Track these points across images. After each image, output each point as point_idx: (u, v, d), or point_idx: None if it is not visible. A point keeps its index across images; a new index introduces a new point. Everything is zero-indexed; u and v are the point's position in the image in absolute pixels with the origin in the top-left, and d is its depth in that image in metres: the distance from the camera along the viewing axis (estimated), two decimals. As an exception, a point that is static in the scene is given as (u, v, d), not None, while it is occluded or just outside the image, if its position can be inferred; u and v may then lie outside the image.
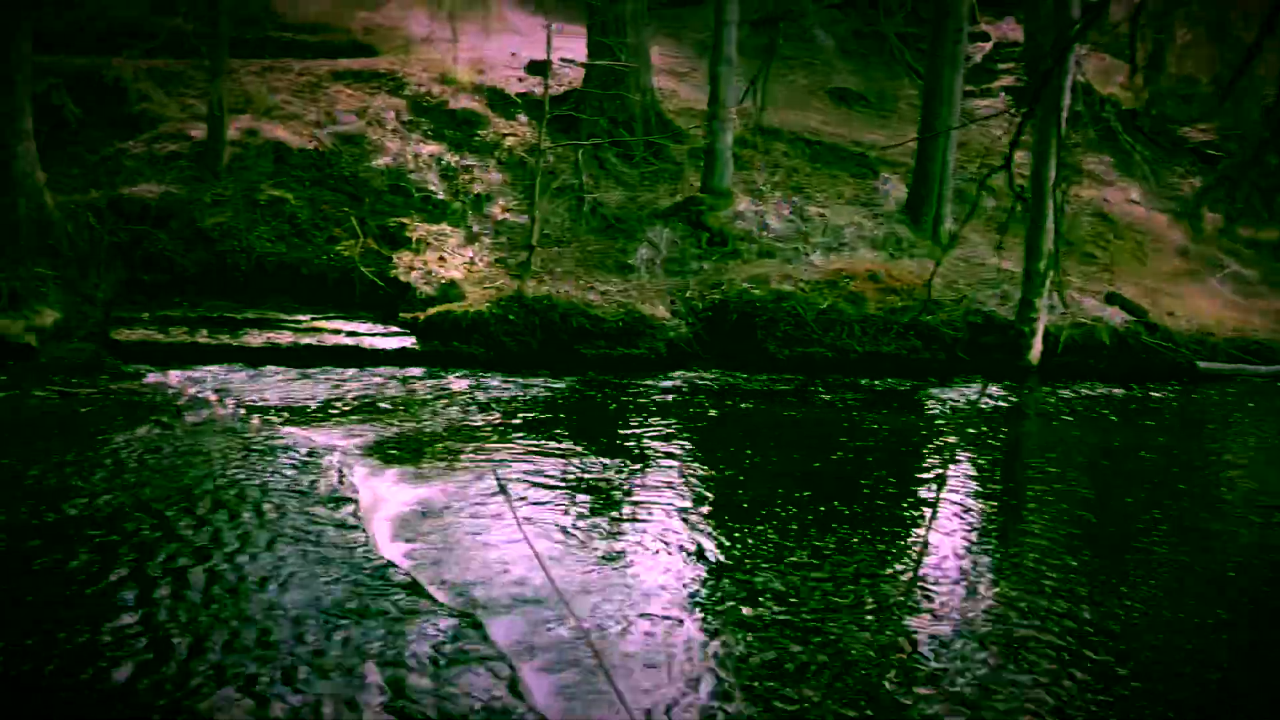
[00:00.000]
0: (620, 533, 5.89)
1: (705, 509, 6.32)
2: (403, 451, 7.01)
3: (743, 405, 8.61)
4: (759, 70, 12.75)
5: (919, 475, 7.30)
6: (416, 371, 9.16)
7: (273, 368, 8.92)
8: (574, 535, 5.81)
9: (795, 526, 5.99)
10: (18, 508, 5.55)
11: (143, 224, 10.19)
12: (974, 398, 9.17)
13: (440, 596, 4.95)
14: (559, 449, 7.22)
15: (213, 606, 4.64)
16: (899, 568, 5.58)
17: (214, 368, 8.77)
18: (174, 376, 8.40)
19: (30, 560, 4.98)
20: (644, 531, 5.84)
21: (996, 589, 5.29)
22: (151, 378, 8.34)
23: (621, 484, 6.65)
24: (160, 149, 10.95)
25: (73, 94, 11.04)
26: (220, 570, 4.98)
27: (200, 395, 7.90)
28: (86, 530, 5.32)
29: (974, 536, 6.19)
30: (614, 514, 6.17)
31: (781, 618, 4.87)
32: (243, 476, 6.19)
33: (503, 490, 6.36)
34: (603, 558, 5.57)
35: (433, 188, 11.30)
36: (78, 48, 11.84)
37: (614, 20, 12.07)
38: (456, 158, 11.75)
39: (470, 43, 13.72)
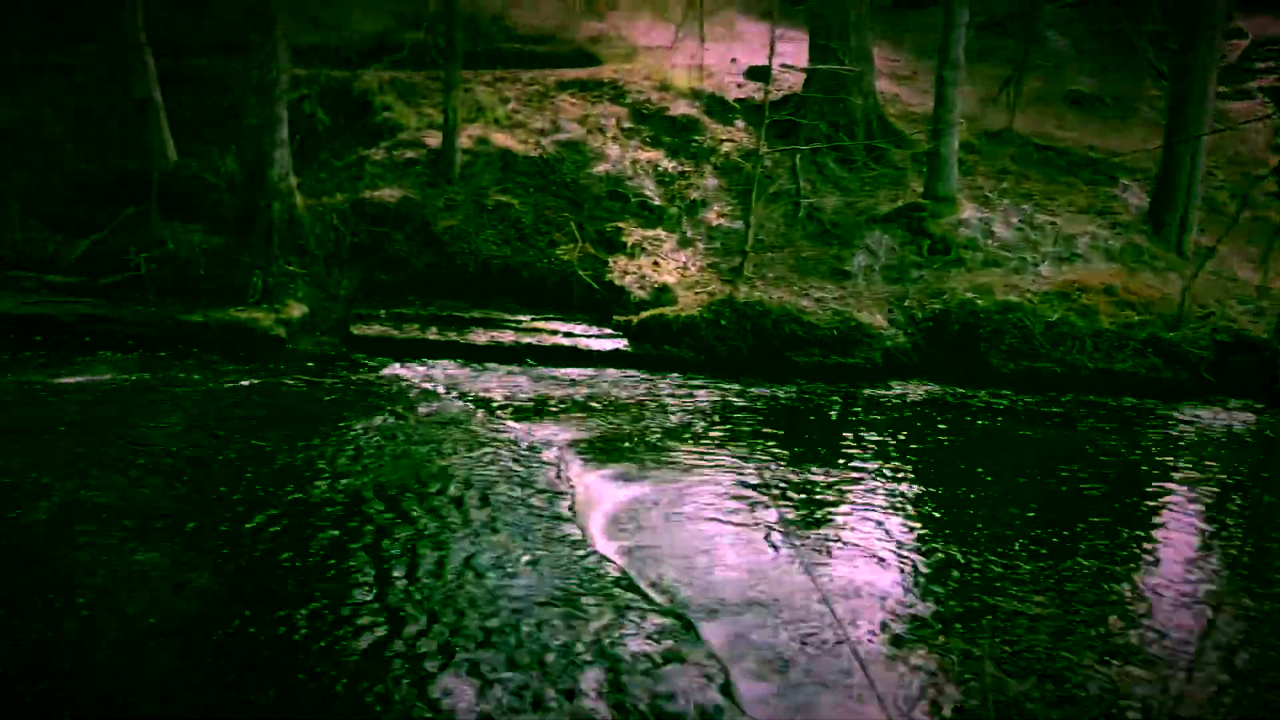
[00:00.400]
0: (832, 546, 5.77)
1: (922, 525, 6.11)
2: (616, 449, 7.14)
3: (965, 419, 8.28)
4: (1011, 74, 12.28)
5: (1161, 503, 6.79)
6: (629, 373, 9.31)
7: (495, 365, 9.29)
8: (783, 543, 5.74)
9: (1025, 550, 5.70)
10: (272, 486, 6.00)
11: (381, 226, 10.83)
12: (1223, 422, 8.46)
13: (652, 594, 4.99)
14: (769, 455, 7.16)
15: (441, 588, 4.85)
16: (1139, 605, 5.21)
17: (442, 363, 9.21)
18: (406, 370, 8.88)
19: (283, 535, 5.36)
20: (857, 546, 5.70)
21: (1238, 636, 4.86)
22: (386, 370, 8.84)
23: (834, 495, 6.52)
24: (399, 156, 11.63)
25: (324, 105, 11.89)
26: (449, 554, 5.21)
27: (430, 389, 8.31)
28: (329, 510, 5.69)
29: (1215, 579, 5.71)
30: (825, 526, 6.05)
31: (1011, 648, 4.64)
32: (469, 466, 6.46)
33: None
34: (814, 567, 5.48)
35: (649, 193, 11.47)
36: (331, 61, 12.76)
37: (837, 24, 11.91)
38: (673, 164, 11.88)
39: (690, 50, 13.86)
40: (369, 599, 4.72)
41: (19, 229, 10.76)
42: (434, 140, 11.65)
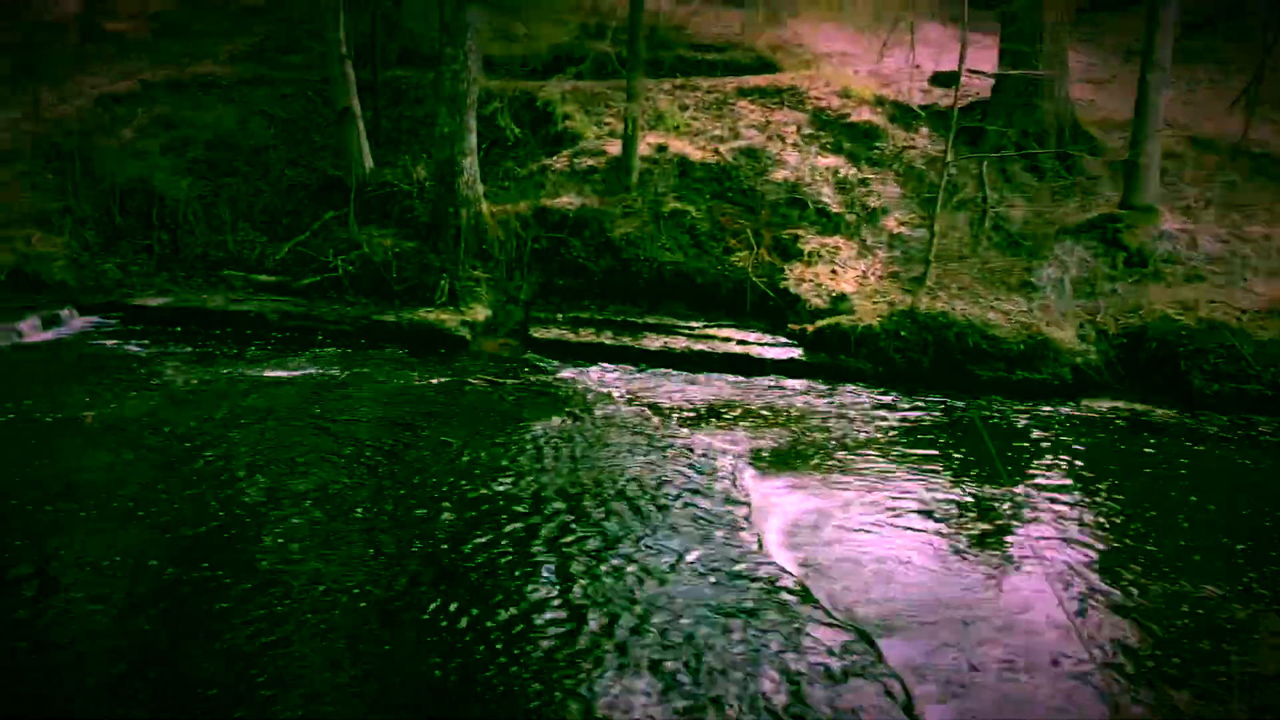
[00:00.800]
0: (1015, 569, 5.55)
1: (1115, 553, 5.79)
2: (792, 459, 7.07)
3: (1164, 442, 7.81)
4: (1251, 80, 11.55)
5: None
6: (803, 382, 9.21)
7: (668, 370, 9.34)
8: (965, 560, 5.56)
9: (1227, 588, 5.34)
10: (459, 481, 6.22)
11: (560, 232, 11.08)
12: None
13: (830, 608, 4.92)
14: (950, 470, 6.94)
15: (621, 590, 4.92)
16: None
17: (616, 367, 9.34)
18: (582, 373, 9.05)
19: (469, 529, 5.55)
20: (1044, 571, 5.46)
21: None
22: (563, 373, 9.03)
23: (1021, 514, 6.27)
24: (579, 164, 11.88)
25: (510, 114, 12.27)
26: (627, 556, 5.28)
27: (605, 392, 8.44)
28: (514, 507, 5.86)
29: None
30: (1007, 548, 5.82)
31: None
32: (645, 471, 6.53)
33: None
34: (995, 589, 5.28)
35: (827, 200, 11.32)
36: (518, 72, 13.19)
37: (1030, 27, 11.44)
38: (853, 170, 11.69)
39: (873, 56, 13.63)
40: (552, 595, 4.83)
41: (231, 231, 11.56)
42: (613, 148, 11.84)
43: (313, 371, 8.57)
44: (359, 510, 5.73)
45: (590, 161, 11.91)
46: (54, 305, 9.95)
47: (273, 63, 14.36)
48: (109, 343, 9.27)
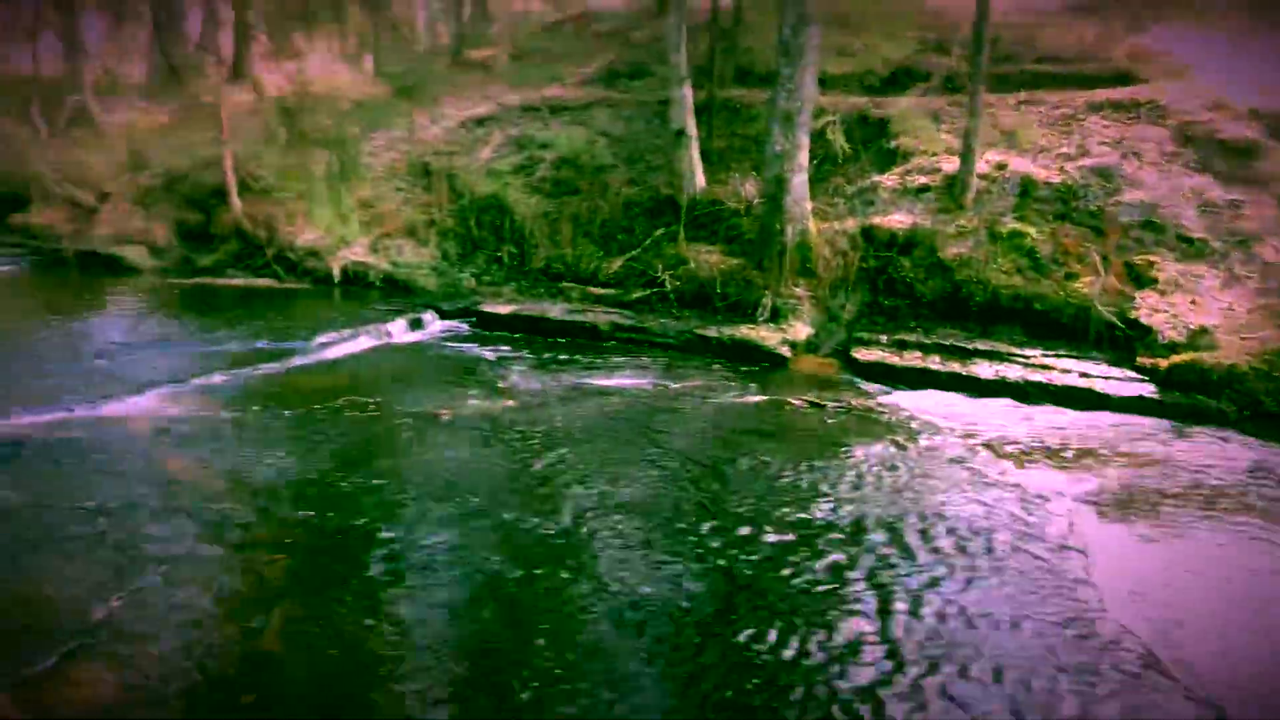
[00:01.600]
0: None
1: None
2: (1137, 506, 6.47)
3: None
4: None
5: None
6: (1150, 422, 8.41)
7: (998, 400, 8.86)
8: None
9: None
10: (777, 502, 6.22)
11: (889, 251, 10.84)
12: None
13: (1181, 676, 4.44)
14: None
15: (943, 632, 4.71)
16: None
17: (942, 394, 8.98)
18: (906, 398, 8.78)
19: (785, 552, 5.53)
20: None
21: None
22: (886, 397, 8.81)
23: None
24: (911, 182, 11.57)
25: (843, 131, 12.18)
26: (949, 599, 5.05)
27: (930, 420, 8.14)
28: (832, 534, 5.78)
29: None
30: None
31: None
32: (971, 508, 6.22)
33: None
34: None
35: (1188, 224, 10.29)
36: (853, 88, 13.07)
37: None
38: (1221, 191, 10.55)
39: (1252, 64, 12.24)
40: (869, 630, 4.71)
41: (571, 246, 12.28)
42: (948, 165, 11.42)
43: (639, 382, 8.91)
44: (680, 523, 5.87)
45: (923, 179, 11.55)
46: (418, 309, 11.01)
47: (617, 86, 15.15)
48: (463, 346, 10.13)
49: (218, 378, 8.40)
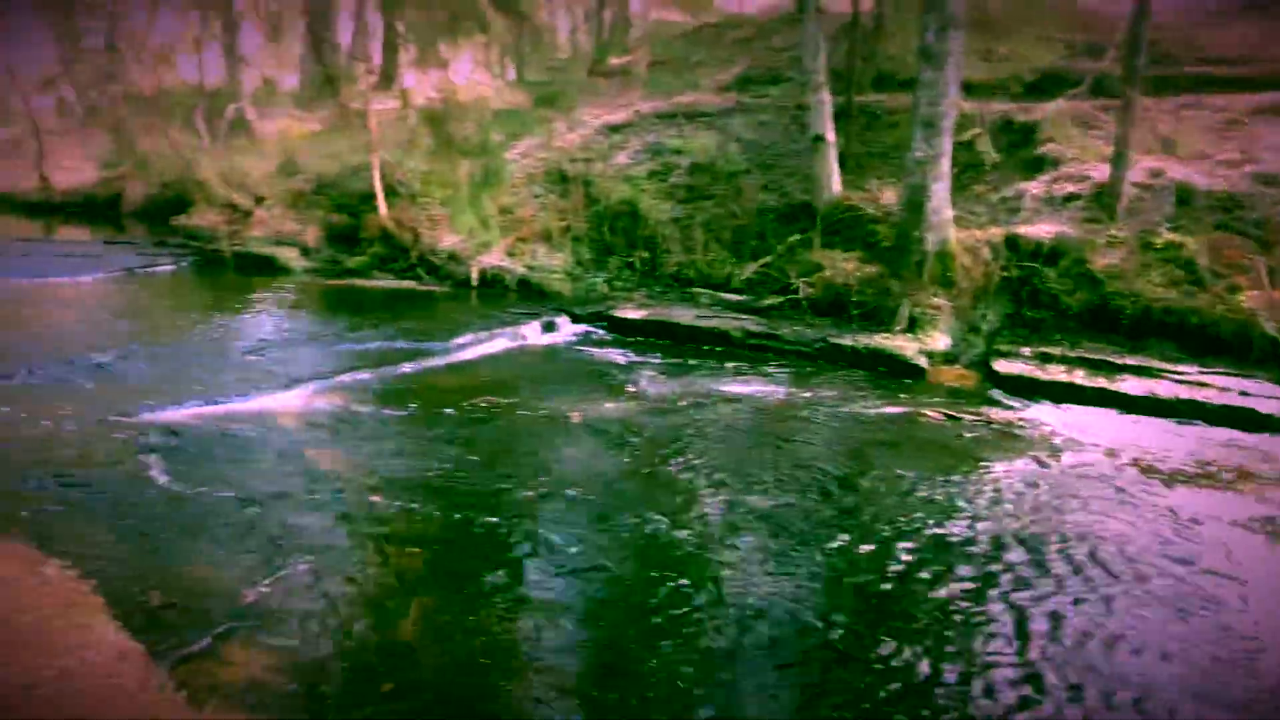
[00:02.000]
0: None
1: None
2: (1304, 538, 6.07)
3: None
4: None
5: None
6: (1321, 445, 7.88)
7: (1150, 419, 8.45)
8: None
9: None
10: (913, 517, 6.08)
11: (1033, 261, 10.47)
12: None
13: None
14: None
15: (1081, 657, 4.52)
16: None
17: (1088, 409, 8.62)
18: (1049, 413, 8.46)
19: (919, 569, 5.40)
20: None
21: None
22: (1028, 412, 8.50)
23: None
24: (1059, 190, 11.15)
25: (988, 137, 11.84)
26: (1094, 620, 4.84)
27: (1075, 436, 7.82)
28: (968, 551, 5.61)
29: None
30: None
31: None
32: (1119, 530, 5.95)
33: None
34: None
35: (1368, 235, 9.62)
36: (998, 94, 12.69)
37: None
38: (1407, 201, 9.84)
39: None
40: (1007, 652, 4.55)
41: (702, 251, 12.29)
42: (1098, 173, 10.97)
43: (770, 389, 8.84)
44: (810, 535, 5.80)
45: (1071, 187, 11.13)
46: (552, 313, 11.19)
47: (753, 91, 15.10)
48: (594, 350, 10.24)
49: (362, 375, 8.71)
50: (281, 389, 8.14)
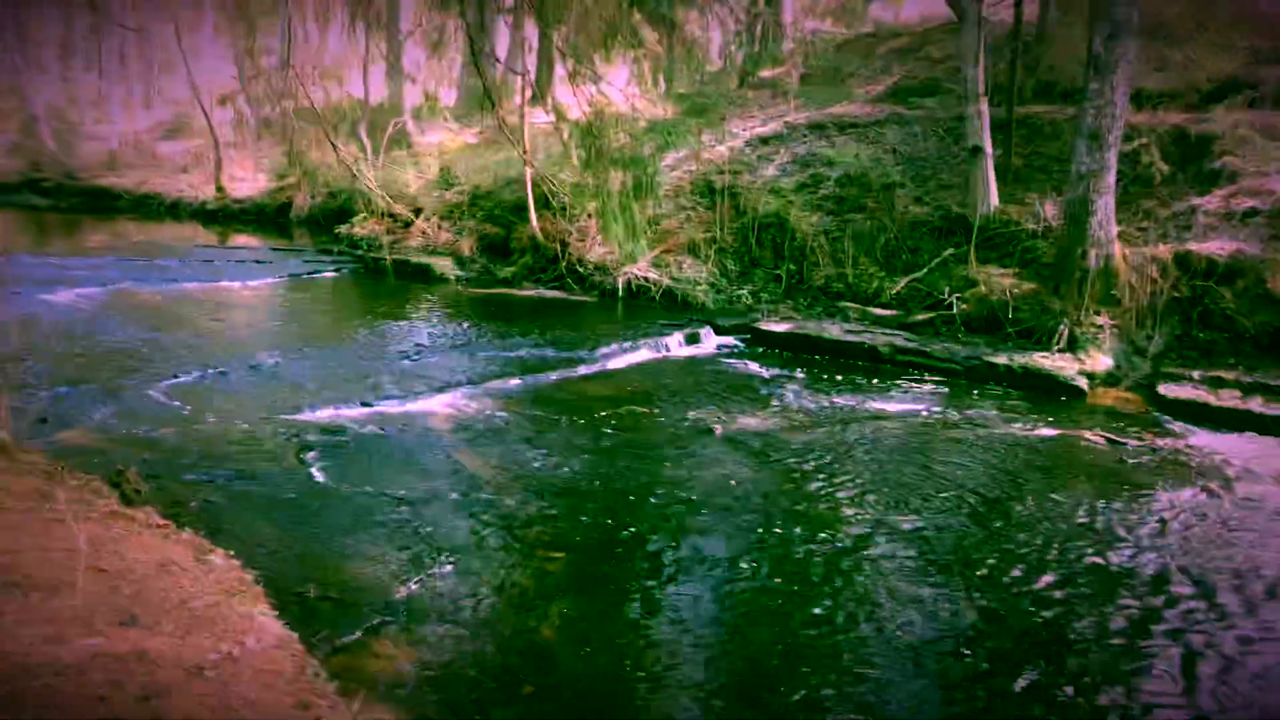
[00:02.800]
0: None
1: None
2: None
3: None
4: None
5: None
6: None
7: (1337, 450, 7.86)
8: None
9: None
10: (1067, 545, 5.81)
11: (1206, 281, 9.90)
12: None
13: None
14: None
15: (1254, 701, 4.23)
16: None
17: (1265, 439, 8.08)
18: (1220, 441, 7.97)
19: (1074, 599, 5.15)
20: None
21: None
22: (1196, 439, 8.03)
23: None
24: (1237, 205, 10.51)
25: (1158, 150, 11.27)
26: (1268, 665, 4.51)
27: (1249, 467, 7.33)
28: (1129, 583, 5.33)
29: None
30: None
31: None
32: (1299, 568, 5.55)
33: None
34: None
35: None
36: (1170, 104, 12.07)
37: None
38: None
39: None
40: (1171, 692, 4.29)
41: (851, 265, 12.09)
42: (1282, 187, 10.29)
43: (918, 407, 8.61)
44: (960, 559, 5.61)
45: (1251, 202, 10.47)
46: (696, 324, 11.20)
47: (908, 103, 14.80)
48: (736, 362, 10.19)
49: (512, 382, 8.91)
50: (434, 393, 8.40)
